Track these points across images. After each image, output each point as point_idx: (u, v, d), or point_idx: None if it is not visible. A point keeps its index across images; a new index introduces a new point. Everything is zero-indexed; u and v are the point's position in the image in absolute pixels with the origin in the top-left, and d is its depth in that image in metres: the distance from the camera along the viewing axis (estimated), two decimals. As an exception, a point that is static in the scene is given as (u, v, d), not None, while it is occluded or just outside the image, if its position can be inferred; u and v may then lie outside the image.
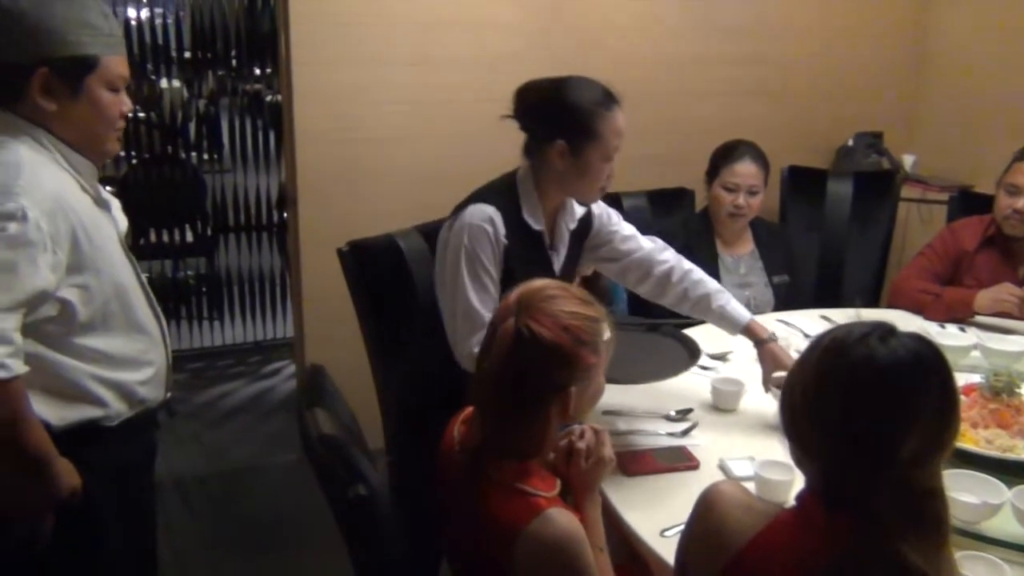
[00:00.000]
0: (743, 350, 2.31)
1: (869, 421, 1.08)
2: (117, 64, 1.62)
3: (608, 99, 1.92)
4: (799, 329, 2.49)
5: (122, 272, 1.65)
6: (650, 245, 2.19)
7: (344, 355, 2.44)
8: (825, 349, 1.13)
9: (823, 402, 1.11)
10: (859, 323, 1.13)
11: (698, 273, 2.15)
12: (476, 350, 1.81)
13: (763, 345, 2.06)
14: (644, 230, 3.07)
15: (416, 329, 2.17)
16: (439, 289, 2.00)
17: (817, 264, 3.36)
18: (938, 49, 3.97)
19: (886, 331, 1.11)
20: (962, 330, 2.48)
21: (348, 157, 3.09)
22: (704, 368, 2.23)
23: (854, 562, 1.06)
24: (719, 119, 3.47)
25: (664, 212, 3.15)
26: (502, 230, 1.90)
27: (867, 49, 3.90)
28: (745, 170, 2.76)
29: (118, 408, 1.64)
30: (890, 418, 1.08)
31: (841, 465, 1.10)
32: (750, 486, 1.67)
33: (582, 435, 1.46)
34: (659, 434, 1.91)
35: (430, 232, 2.37)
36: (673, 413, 1.99)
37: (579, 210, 2.08)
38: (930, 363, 1.10)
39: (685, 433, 1.92)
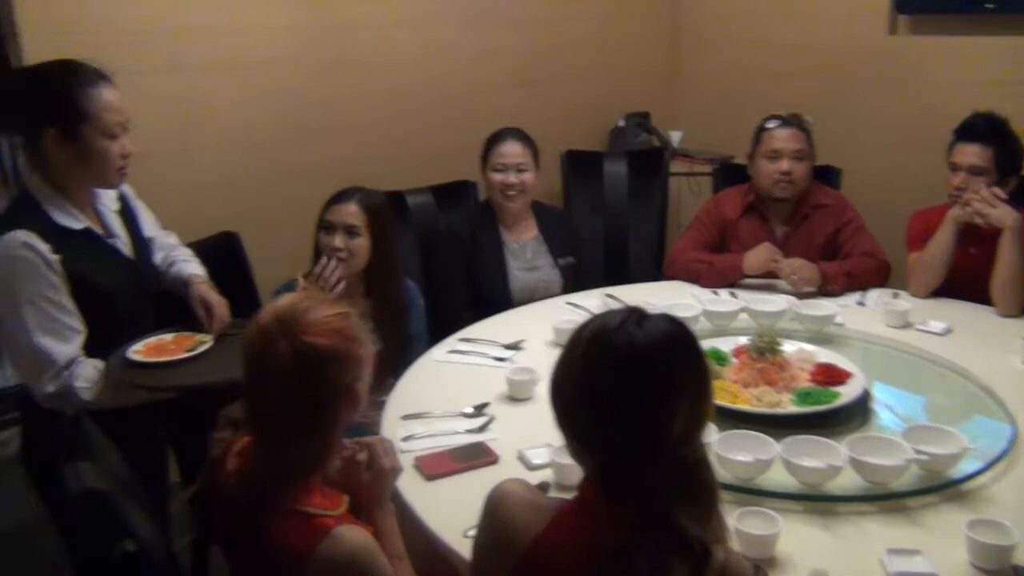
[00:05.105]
0: (535, 337, 2.36)
1: (640, 404, 1.11)
2: None
3: (90, 75, 1.84)
4: (587, 310, 2.56)
5: None
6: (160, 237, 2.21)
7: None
8: (589, 341, 1.15)
9: (595, 393, 1.14)
10: (615, 311, 1.17)
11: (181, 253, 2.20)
12: (50, 390, 1.79)
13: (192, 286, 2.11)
14: (431, 225, 3.10)
15: None
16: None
17: (603, 244, 3.49)
18: (691, 28, 4.25)
19: (640, 315, 1.15)
20: (733, 295, 2.65)
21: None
22: (499, 360, 2.25)
23: (636, 542, 1.09)
24: (494, 110, 3.51)
25: (450, 206, 3.16)
26: (44, 247, 1.78)
27: (628, 32, 4.09)
28: (509, 149, 2.84)
29: None
30: (658, 398, 1.11)
31: (618, 452, 1.13)
32: (548, 473, 1.72)
33: (362, 449, 1.43)
34: (457, 432, 1.91)
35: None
36: (470, 409, 2.00)
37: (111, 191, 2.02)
38: (684, 340, 1.15)
39: (482, 428, 1.92)
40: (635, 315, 1.15)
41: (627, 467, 1.12)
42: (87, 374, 1.82)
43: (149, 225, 2.17)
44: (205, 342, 1.97)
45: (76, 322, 1.83)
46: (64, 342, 1.80)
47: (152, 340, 1.97)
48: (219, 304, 2.09)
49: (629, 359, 1.12)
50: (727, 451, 1.65)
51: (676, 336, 1.14)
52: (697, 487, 1.13)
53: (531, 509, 1.19)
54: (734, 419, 1.84)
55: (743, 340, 2.15)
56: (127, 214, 2.07)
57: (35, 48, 2.66)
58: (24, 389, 1.87)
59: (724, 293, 2.68)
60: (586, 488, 1.17)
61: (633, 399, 1.11)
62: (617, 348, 1.12)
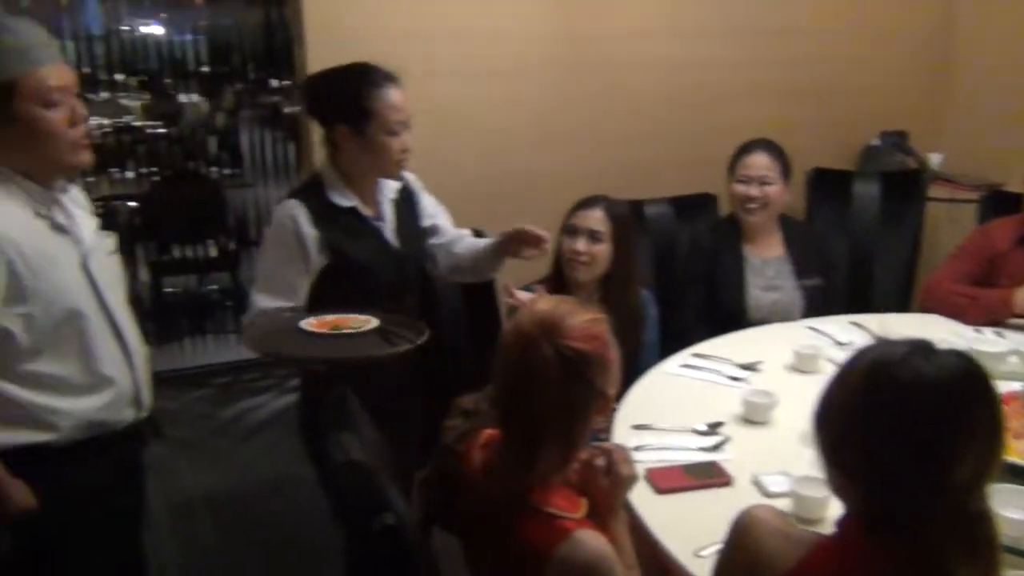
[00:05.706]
0: (773, 360, 2.27)
1: (924, 445, 1.04)
2: (43, 78, 1.54)
3: (378, 77, 2.01)
4: (830, 336, 2.44)
5: (78, 298, 1.62)
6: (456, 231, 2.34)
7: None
8: (867, 372, 1.08)
9: (871, 427, 1.07)
10: (896, 341, 1.09)
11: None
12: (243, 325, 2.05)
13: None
14: (669, 235, 3.07)
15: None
16: None
17: (847, 268, 3.30)
18: (965, 47, 3.91)
19: (928, 348, 1.07)
20: (999, 335, 2.41)
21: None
22: (734, 380, 2.19)
23: None
24: (741, 122, 3.40)
25: (688, 217, 3.12)
26: (304, 219, 1.99)
27: (891, 48, 3.85)
28: (755, 161, 2.72)
29: (67, 431, 1.61)
30: (946, 440, 1.03)
31: (892, 492, 1.06)
32: (785, 502, 1.65)
33: (600, 454, 1.44)
34: (690, 448, 1.87)
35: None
36: (703, 427, 1.95)
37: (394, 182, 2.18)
38: (978, 379, 1.06)
39: (716, 448, 1.88)
40: (921, 347, 1.06)
41: (901, 509, 1.05)
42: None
43: (432, 216, 2.31)
44: (358, 328, 1.92)
45: (292, 296, 2.01)
46: (269, 300, 2.00)
47: (347, 315, 1.97)
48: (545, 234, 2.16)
49: (916, 394, 1.04)
50: (995, 506, 1.50)
51: (971, 373, 1.05)
52: (978, 541, 1.04)
53: (783, 539, 1.14)
54: (1003, 472, 1.67)
55: (1016, 386, 1.95)
56: (405, 204, 2.22)
57: (317, 51, 2.92)
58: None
59: (988, 331, 2.44)
60: (848, 526, 1.11)
61: (917, 437, 1.03)
62: (902, 381, 1.05)
